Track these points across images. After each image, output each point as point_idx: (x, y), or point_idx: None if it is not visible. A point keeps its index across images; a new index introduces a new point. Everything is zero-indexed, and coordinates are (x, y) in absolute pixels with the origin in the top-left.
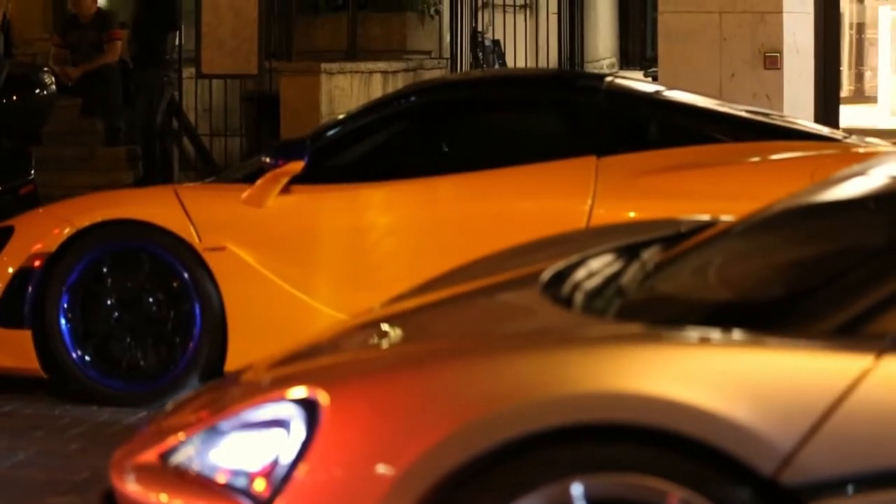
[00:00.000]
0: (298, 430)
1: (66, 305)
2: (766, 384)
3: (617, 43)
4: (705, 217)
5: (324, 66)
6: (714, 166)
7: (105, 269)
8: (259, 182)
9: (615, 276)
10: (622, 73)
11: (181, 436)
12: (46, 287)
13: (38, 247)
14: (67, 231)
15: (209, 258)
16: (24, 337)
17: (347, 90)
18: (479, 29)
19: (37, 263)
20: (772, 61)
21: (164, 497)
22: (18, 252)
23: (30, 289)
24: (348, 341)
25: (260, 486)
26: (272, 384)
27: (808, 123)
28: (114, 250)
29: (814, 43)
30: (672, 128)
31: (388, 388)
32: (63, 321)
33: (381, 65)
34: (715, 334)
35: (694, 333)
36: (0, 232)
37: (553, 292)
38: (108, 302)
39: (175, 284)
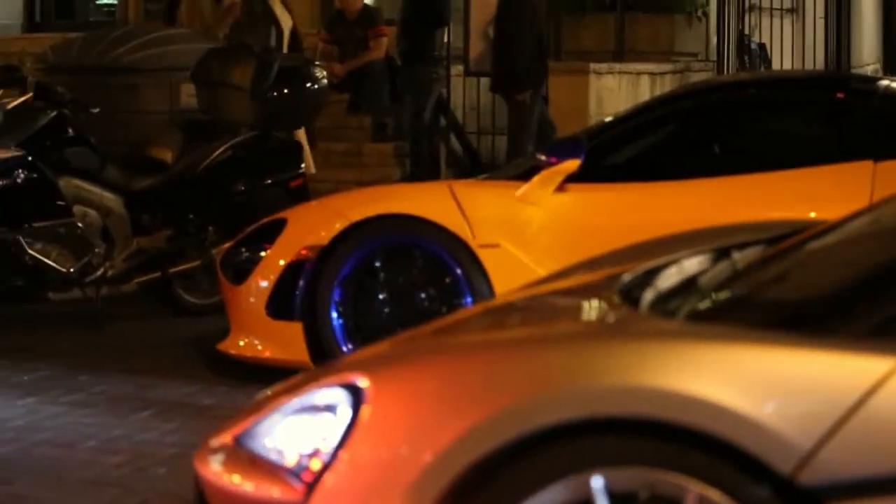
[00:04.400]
0: (344, 414)
1: (337, 299)
2: (787, 383)
3: (881, 49)
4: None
5: (592, 66)
6: None
7: (378, 264)
8: (534, 179)
9: (695, 278)
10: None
11: (251, 420)
12: (318, 280)
13: (310, 239)
14: (341, 224)
15: (482, 255)
16: (295, 329)
17: (615, 90)
18: (746, 32)
19: (309, 256)
20: None
21: (233, 478)
22: (291, 244)
23: (301, 281)
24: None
25: (308, 467)
26: (328, 370)
27: None
28: (387, 245)
29: None
30: None
31: (426, 375)
32: (335, 314)
33: (650, 66)
34: (745, 333)
35: (725, 331)
36: (272, 224)
37: (629, 292)
38: (380, 296)
39: (447, 280)
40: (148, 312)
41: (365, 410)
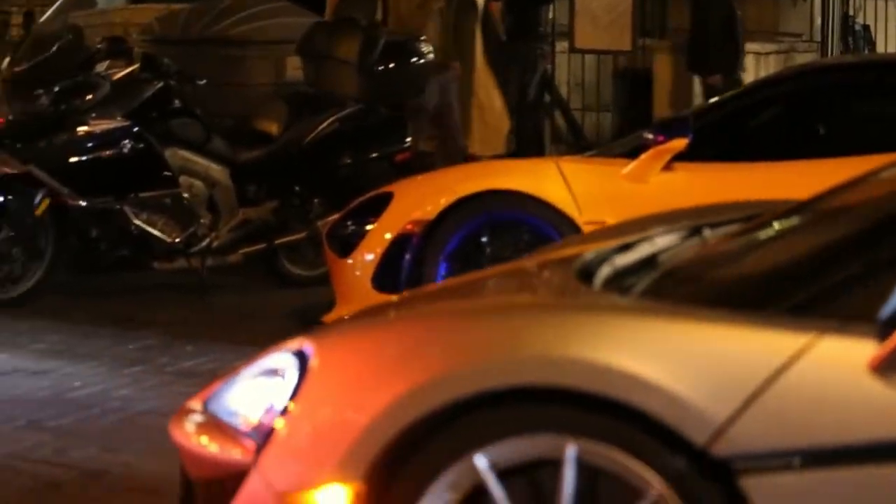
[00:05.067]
0: (291, 378)
1: (444, 273)
2: (705, 357)
3: None
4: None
5: None
6: None
7: (484, 239)
8: (642, 157)
9: (656, 256)
10: None
11: (218, 384)
12: (424, 254)
13: (417, 213)
14: (447, 199)
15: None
16: None
17: None
18: (850, 13)
19: (415, 230)
20: None
21: (200, 440)
22: (397, 218)
23: (407, 255)
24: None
25: (259, 428)
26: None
27: None
28: (493, 220)
29: None
30: None
31: (364, 343)
32: None
33: (754, 46)
34: (671, 308)
35: (653, 307)
36: (379, 198)
37: (589, 268)
38: None
39: None
40: (252, 283)
41: (308, 375)
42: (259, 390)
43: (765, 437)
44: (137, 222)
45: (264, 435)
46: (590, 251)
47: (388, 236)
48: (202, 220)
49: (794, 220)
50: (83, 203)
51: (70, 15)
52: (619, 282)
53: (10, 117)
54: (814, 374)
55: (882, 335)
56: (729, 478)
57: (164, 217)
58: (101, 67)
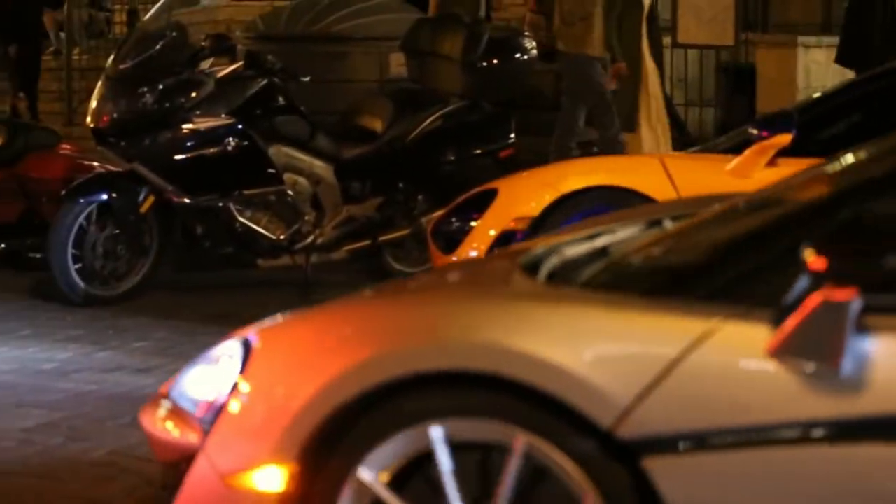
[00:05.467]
0: (236, 365)
1: None
2: (612, 342)
3: None
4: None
5: (800, 39)
6: None
7: None
8: (746, 153)
9: (606, 248)
10: None
11: (180, 373)
12: None
13: (521, 210)
14: (551, 196)
15: None
16: None
17: (823, 64)
18: None
19: (520, 227)
20: None
21: (165, 426)
22: (501, 215)
23: None
24: None
25: (207, 413)
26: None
27: None
28: (597, 216)
29: None
30: None
31: (302, 331)
32: None
33: None
34: (588, 296)
35: (569, 294)
36: (483, 194)
37: (537, 260)
38: None
39: None
40: (356, 280)
41: (249, 362)
42: (209, 377)
43: (667, 419)
44: (242, 219)
45: (211, 419)
46: (544, 243)
47: (493, 233)
48: (306, 217)
49: (725, 212)
50: (188, 200)
51: (174, 12)
52: (566, 272)
53: (115, 115)
54: (716, 358)
55: (777, 321)
56: (634, 460)
57: (268, 214)
58: (205, 65)
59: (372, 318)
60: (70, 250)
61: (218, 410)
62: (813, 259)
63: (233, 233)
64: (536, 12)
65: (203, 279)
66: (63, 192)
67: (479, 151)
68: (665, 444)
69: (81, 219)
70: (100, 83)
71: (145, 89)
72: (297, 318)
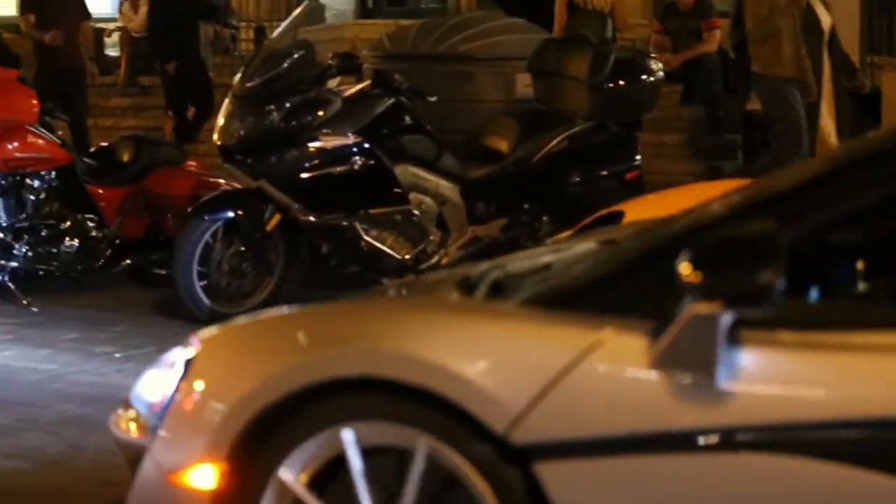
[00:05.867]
0: (179, 369)
1: None
2: (508, 352)
3: None
4: None
5: None
6: None
7: None
8: None
9: (552, 264)
10: None
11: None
12: None
13: None
14: None
15: None
16: None
17: None
18: None
19: None
20: None
21: (127, 430)
22: None
23: None
24: None
25: (153, 414)
26: None
27: None
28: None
29: None
30: None
31: (238, 339)
32: None
33: None
34: (485, 308)
35: (479, 307)
36: (609, 216)
37: (480, 276)
38: None
39: None
40: None
41: (189, 367)
42: (159, 380)
43: (557, 426)
44: (367, 238)
45: (157, 421)
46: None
47: None
48: (431, 237)
49: (639, 232)
50: (313, 219)
51: (300, 30)
52: (507, 287)
53: (242, 133)
54: (603, 368)
55: (655, 334)
56: (527, 464)
57: (394, 233)
58: (332, 83)
59: (299, 326)
60: (195, 267)
61: (162, 412)
62: (688, 273)
63: (358, 251)
64: (661, 33)
65: (329, 297)
66: (189, 209)
67: (604, 173)
68: (554, 450)
69: (207, 236)
70: (227, 101)
71: (272, 107)
72: (237, 324)
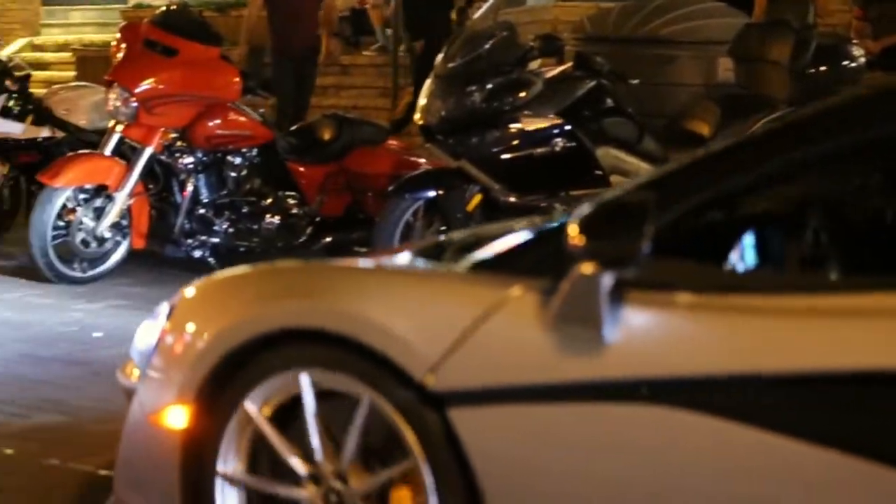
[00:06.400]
0: (164, 318)
1: None
2: (428, 307)
3: None
4: None
5: None
6: None
7: None
8: None
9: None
10: None
11: None
12: None
13: None
14: None
15: None
16: None
17: None
18: None
19: None
20: None
21: (128, 377)
22: None
23: None
24: None
25: (144, 359)
26: None
27: None
28: None
29: None
30: None
31: (209, 291)
32: None
33: None
34: (413, 269)
35: (407, 267)
36: None
37: (443, 245)
38: None
39: None
40: None
41: (173, 315)
42: (150, 330)
43: (466, 375)
44: None
45: (144, 366)
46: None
47: None
48: None
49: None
50: (514, 199)
51: (500, 12)
52: (469, 252)
53: (444, 113)
54: (508, 323)
55: (548, 292)
56: (442, 409)
57: None
58: (533, 65)
59: (269, 281)
60: (396, 245)
61: (148, 358)
62: (574, 236)
63: None
64: (862, 19)
65: None
66: (391, 188)
67: None
68: (465, 397)
69: (408, 214)
70: (429, 81)
71: (474, 88)
72: (218, 277)
